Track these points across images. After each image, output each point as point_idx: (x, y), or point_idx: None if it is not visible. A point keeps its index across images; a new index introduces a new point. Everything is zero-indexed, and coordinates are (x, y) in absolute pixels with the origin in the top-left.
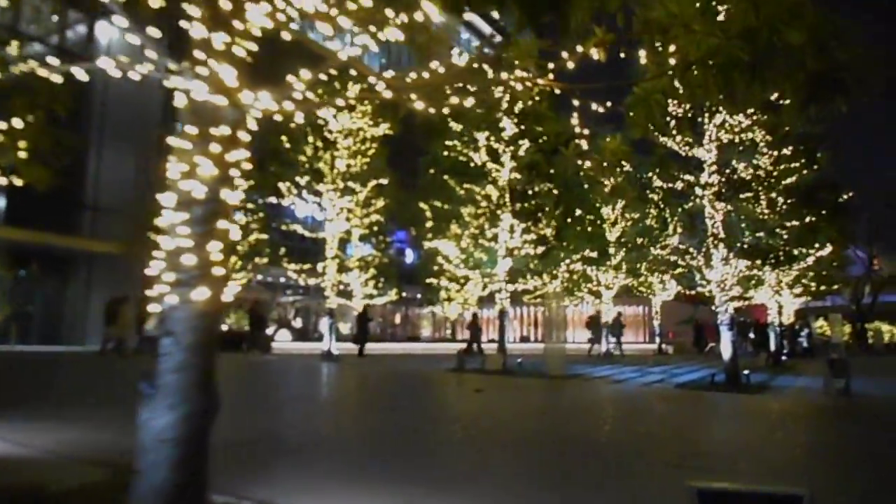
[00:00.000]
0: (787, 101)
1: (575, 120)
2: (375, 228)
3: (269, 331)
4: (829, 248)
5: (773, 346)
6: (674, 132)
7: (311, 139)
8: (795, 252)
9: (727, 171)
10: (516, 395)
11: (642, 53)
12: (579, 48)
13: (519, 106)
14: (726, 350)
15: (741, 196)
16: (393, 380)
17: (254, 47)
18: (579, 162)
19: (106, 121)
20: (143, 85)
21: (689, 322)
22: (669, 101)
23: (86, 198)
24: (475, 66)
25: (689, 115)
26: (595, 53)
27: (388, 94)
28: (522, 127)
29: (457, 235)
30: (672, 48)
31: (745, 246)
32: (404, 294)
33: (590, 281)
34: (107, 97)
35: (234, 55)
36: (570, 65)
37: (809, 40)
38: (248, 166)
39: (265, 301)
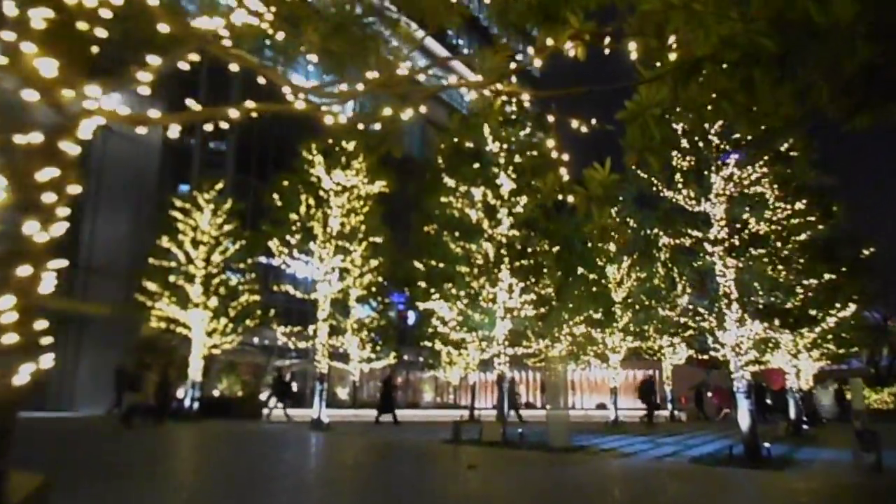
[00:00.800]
0: (798, 154)
1: (552, 143)
2: (373, 289)
3: (263, 396)
4: (851, 308)
5: (792, 414)
6: (679, 186)
7: (303, 197)
8: (814, 313)
9: (737, 225)
10: (513, 473)
11: (633, 47)
12: (549, 41)
13: (517, 160)
14: (744, 419)
15: (753, 252)
16: (379, 454)
17: (101, 33)
18: (560, 197)
19: (102, 181)
20: (141, 144)
21: (701, 387)
22: (673, 154)
23: (79, 258)
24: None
25: (694, 167)
26: (571, 49)
27: (300, 106)
28: (522, 183)
29: (452, 296)
30: (672, 40)
31: (761, 306)
32: (406, 357)
33: (595, 344)
34: (104, 157)
35: (63, 39)
36: (538, 62)
37: (863, 14)
38: (75, 190)
39: (260, 365)
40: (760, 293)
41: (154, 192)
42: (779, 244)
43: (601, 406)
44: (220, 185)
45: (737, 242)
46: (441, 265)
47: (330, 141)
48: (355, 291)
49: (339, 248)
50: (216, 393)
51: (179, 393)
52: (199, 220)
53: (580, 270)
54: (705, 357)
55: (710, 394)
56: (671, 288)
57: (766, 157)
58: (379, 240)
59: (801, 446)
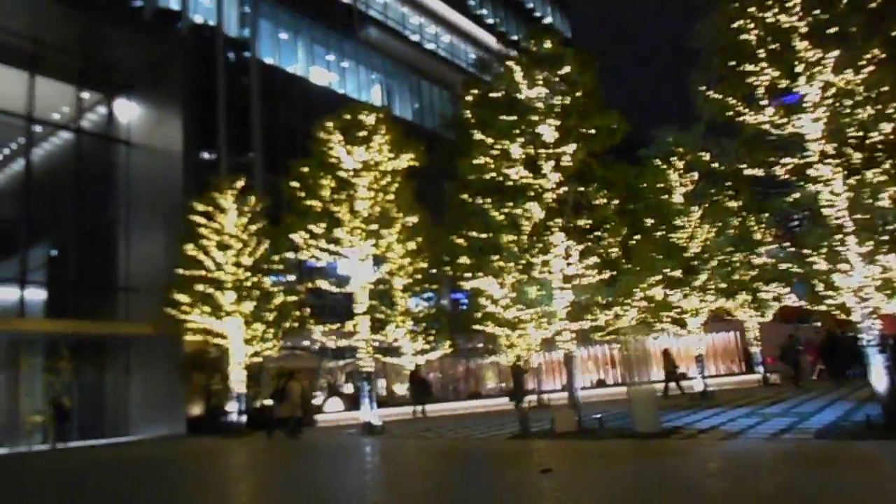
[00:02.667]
0: None
1: None
2: (419, 276)
3: (318, 401)
4: None
5: None
6: (762, 103)
7: (324, 181)
8: None
9: (852, 136)
10: (598, 474)
11: None
12: None
13: (557, 100)
14: (880, 379)
15: (872, 171)
16: (433, 461)
17: None
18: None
19: (131, 199)
20: (164, 158)
21: (793, 345)
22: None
23: (118, 280)
24: None
25: (781, 81)
26: None
27: None
28: (568, 125)
29: (501, 269)
30: None
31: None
32: (468, 345)
33: (670, 309)
34: (129, 174)
35: None
36: None
37: None
38: None
39: (314, 369)
40: (889, 219)
41: (180, 206)
42: None
43: (683, 376)
44: (240, 183)
45: (856, 156)
46: (482, 235)
47: (348, 116)
48: (400, 281)
49: (370, 234)
50: (269, 402)
51: (230, 406)
52: (224, 222)
53: (649, 222)
54: (807, 306)
55: (801, 349)
56: (746, 237)
57: (873, 52)
58: (414, 219)
59: None
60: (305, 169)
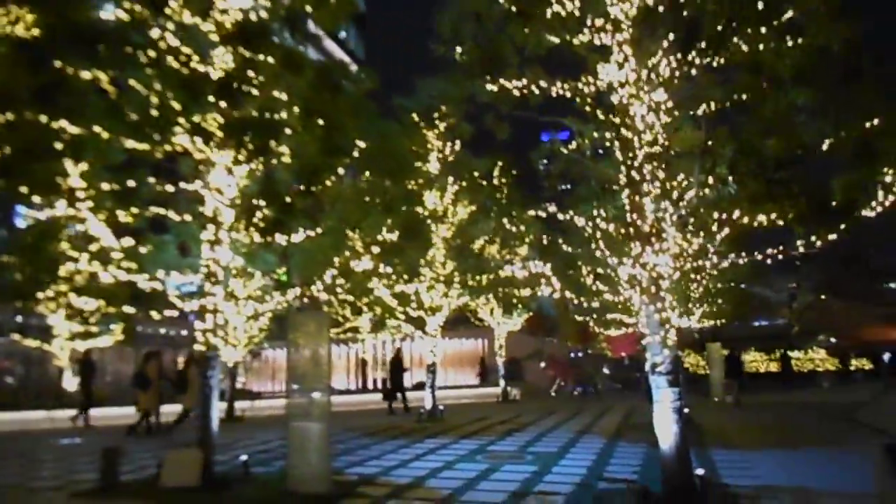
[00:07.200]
0: None
1: None
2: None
3: None
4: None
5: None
6: None
7: None
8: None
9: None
10: None
11: None
12: None
13: None
14: (665, 425)
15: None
16: None
17: None
18: None
19: None
20: None
21: (535, 357)
22: None
23: None
24: None
25: None
26: None
27: None
28: None
29: (95, 191)
30: None
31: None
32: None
33: (407, 302)
34: None
35: None
36: None
37: None
38: None
39: None
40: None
41: None
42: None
43: (420, 386)
44: None
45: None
46: (76, 131)
47: None
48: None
49: None
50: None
51: None
52: None
53: (362, 145)
54: (575, 300)
55: (542, 364)
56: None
57: None
58: None
59: (707, 447)
60: None
